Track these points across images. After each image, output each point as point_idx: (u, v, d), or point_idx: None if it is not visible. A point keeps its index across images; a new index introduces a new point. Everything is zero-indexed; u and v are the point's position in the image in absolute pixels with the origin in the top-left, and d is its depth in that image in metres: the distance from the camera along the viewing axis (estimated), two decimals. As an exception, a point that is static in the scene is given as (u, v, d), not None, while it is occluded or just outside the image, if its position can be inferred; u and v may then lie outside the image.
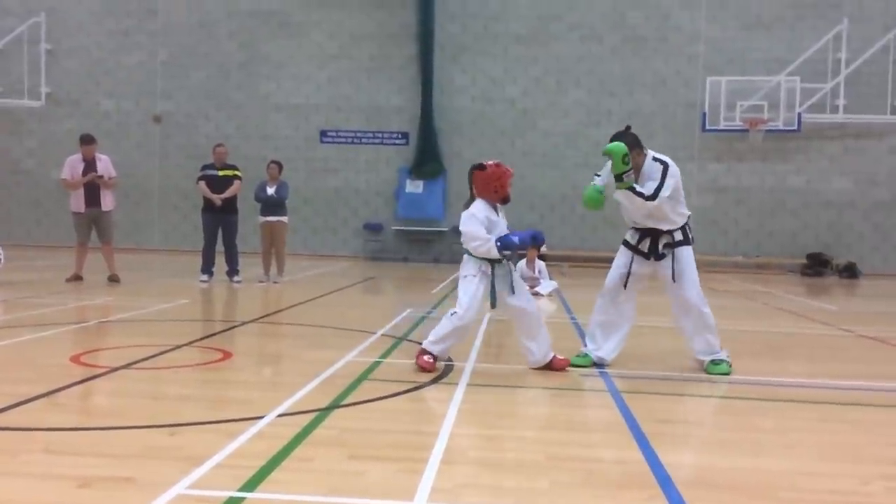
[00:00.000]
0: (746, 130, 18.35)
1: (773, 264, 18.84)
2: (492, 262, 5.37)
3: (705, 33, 19.09)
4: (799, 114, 18.20)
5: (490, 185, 5.37)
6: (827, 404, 4.80)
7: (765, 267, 18.81)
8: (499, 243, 5.24)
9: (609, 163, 5.29)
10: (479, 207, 5.37)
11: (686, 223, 5.57)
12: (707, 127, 18.62)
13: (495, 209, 5.43)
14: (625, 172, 5.21)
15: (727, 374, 5.46)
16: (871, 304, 12.14)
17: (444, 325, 5.33)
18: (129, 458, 3.28)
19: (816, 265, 18.41)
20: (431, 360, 5.29)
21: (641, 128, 19.04)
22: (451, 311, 5.37)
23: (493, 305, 5.39)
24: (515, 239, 5.30)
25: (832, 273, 18.24)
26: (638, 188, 5.31)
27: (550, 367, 5.47)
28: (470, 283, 5.33)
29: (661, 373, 5.59)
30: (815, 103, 18.35)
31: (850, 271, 18.07)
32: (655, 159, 5.45)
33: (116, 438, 3.58)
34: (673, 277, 5.46)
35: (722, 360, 5.54)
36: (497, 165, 5.41)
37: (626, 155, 5.18)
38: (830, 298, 12.97)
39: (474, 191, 5.46)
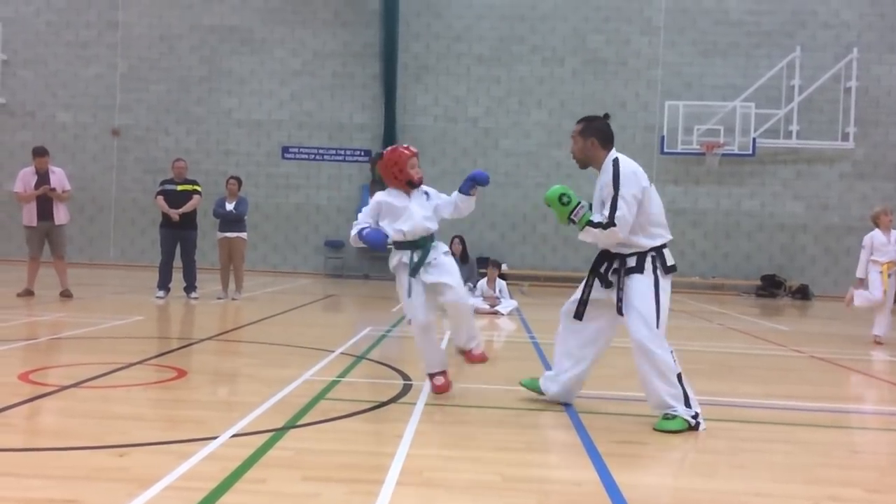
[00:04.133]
0: (703, 154, 18.76)
1: (728, 285, 19.20)
2: (408, 248, 5.02)
3: (663, 58, 19.49)
4: (753, 139, 18.66)
5: (389, 171, 5.08)
6: (778, 425, 4.88)
7: (720, 288, 19.14)
8: (364, 233, 4.94)
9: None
10: (382, 195, 5.11)
11: (654, 249, 4.62)
12: (665, 150, 18.98)
13: (408, 195, 5.07)
14: (572, 212, 4.58)
15: (675, 431, 4.45)
16: (823, 326, 12.41)
17: (417, 344, 5.15)
18: (74, 480, 3.20)
19: (770, 287, 18.81)
20: (441, 382, 5.11)
21: (601, 149, 19.46)
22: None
23: (409, 294, 5.01)
24: (367, 239, 4.92)
25: (785, 295, 18.65)
26: (595, 219, 4.56)
27: (466, 356, 5.18)
28: (401, 283, 5.10)
29: (619, 393, 5.64)
30: (769, 129, 18.84)
31: (803, 293, 18.49)
32: (615, 162, 4.63)
33: (62, 459, 3.49)
34: (619, 310, 4.64)
35: (675, 416, 4.50)
36: (392, 150, 5.13)
37: (562, 195, 4.57)
38: (783, 319, 13.24)
39: (385, 181, 5.18)
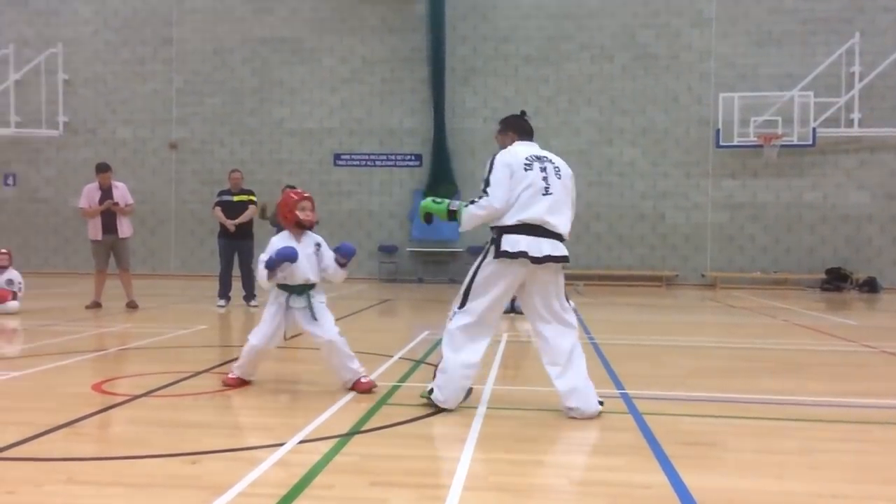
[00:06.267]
0: (761, 146, 18.31)
1: (792, 280, 18.70)
2: (288, 291, 5.37)
3: (716, 50, 19.11)
4: (813, 128, 18.15)
5: (282, 212, 5.47)
6: (851, 423, 4.74)
7: (783, 283, 18.67)
8: (273, 256, 5.21)
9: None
10: (276, 238, 5.44)
11: (497, 230, 4.70)
12: (721, 143, 18.60)
13: (297, 240, 5.41)
14: (449, 205, 4.85)
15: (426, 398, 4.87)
16: (893, 319, 11.99)
17: (244, 349, 5.51)
18: (151, 488, 3.28)
19: (835, 280, 18.25)
20: (234, 378, 5.54)
21: (654, 145, 19.19)
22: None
23: (284, 337, 5.49)
24: (273, 256, 5.22)
25: (852, 288, 18.07)
26: (477, 202, 4.73)
27: (357, 387, 5.35)
28: (267, 310, 5.46)
29: (683, 393, 5.54)
30: (830, 117, 18.30)
31: (870, 286, 17.89)
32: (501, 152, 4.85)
33: (138, 468, 3.59)
34: None
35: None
36: (285, 194, 5.52)
37: (433, 198, 4.93)
38: (851, 314, 12.84)
39: (280, 222, 5.59)
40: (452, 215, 4.85)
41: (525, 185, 4.67)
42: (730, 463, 3.94)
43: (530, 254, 4.61)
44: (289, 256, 5.20)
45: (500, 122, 5.18)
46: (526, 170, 4.71)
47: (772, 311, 12.54)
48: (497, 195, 4.67)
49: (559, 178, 4.81)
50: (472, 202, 4.75)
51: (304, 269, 5.35)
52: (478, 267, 4.78)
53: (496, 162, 4.76)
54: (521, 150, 4.85)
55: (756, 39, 19.02)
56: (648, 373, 6.52)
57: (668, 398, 5.36)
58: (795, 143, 18.20)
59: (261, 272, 5.28)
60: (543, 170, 4.76)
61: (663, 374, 6.52)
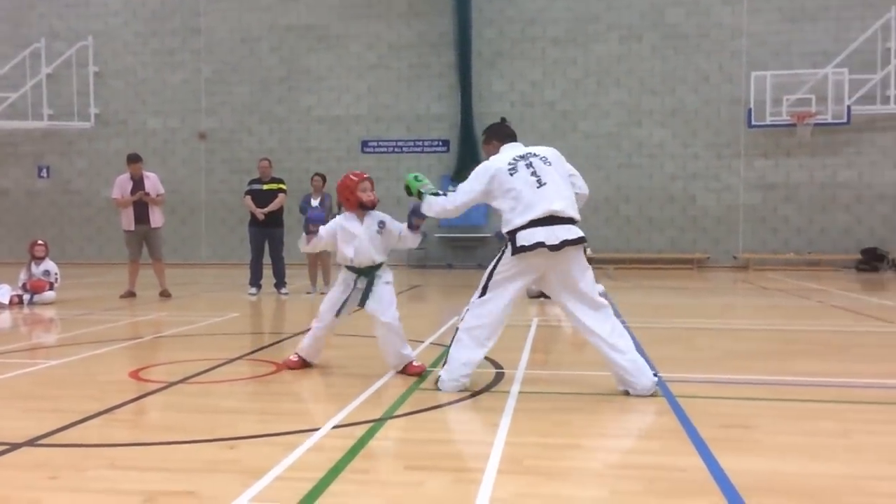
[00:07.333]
0: (794, 125, 18.00)
1: (826, 261, 18.41)
2: (357, 273, 5.50)
3: (748, 28, 18.77)
4: (848, 106, 17.79)
5: (343, 196, 5.57)
6: (889, 405, 4.67)
7: (817, 264, 18.39)
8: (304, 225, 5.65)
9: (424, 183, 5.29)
10: (339, 218, 5.62)
11: (509, 233, 4.78)
12: (753, 123, 18.31)
13: (360, 221, 5.49)
14: (422, 186, 5.20)
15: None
16: (932, 300, 11.76)
17: (310, 331, 5.71)
18: (191, 473, 3.33)
19: (871, 260, 17.94)
20: (295, 361, 5.72)
21: (685, 125, 18.94)
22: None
23: (337, 314, 5.56)
24: (309, 215, 5.77)
25: (888, 268, 17.75)
26: (442, 196, 5.10)
27: (406, 371, 5.46)
28: (334, 290, 5.63)
29: (716, 376, 5.49)
30: (865, 94, 17.92)
31: (908, 266, 17.56)
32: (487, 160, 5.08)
33: (177, 453, 3.64)
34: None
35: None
36: (344, 177, 5.60)
37: (416, 175, 5.29)
38: (887, 294, 12.60)
39: (342, 205, 5.76)
40: (421, 196, 5.18)
41: (518, 186, 4.77)
42: (766, 445, 3.89)
43: (547, 243, 4.69)
44: (313, 220, 5.62)
45: (482, 133, 5.41)
46: (511, 174, 4.82)
47: (806, 293, 12.36)
48: (458, 199, 5.02)
49: (549, 166, 4.90)
50: (438, 194, 5.10)
51: (368, 251, 5.45)
52: (496, 264, 4.90)
53: (474, 172, 4.98)
54: (504, 155, 4.98)
55: (789, 16, 18.65)
56: (682, 356, 6.47)
57: (703, 381, 5.32)
58: (830, 121, 17.86)
59: (301, 237, 5.67)
60: (529, 165, 4.85)
61: (697, 356, 6.47)
